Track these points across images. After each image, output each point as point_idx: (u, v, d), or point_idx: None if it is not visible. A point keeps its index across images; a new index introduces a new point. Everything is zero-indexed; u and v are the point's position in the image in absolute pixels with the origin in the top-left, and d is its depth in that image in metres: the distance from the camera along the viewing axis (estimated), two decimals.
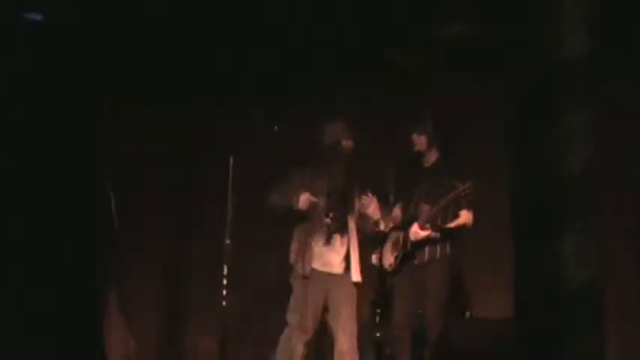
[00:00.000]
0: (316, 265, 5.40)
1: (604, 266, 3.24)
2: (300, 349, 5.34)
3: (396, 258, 5.43)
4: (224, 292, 5.55)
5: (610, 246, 4.53)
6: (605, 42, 3.31)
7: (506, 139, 3.26)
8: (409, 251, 5.38)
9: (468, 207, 5.36)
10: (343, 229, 5.42)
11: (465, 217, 5.37)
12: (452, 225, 5.37)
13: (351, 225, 5.44)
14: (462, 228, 5.38)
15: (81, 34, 5.87)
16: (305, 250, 5.41)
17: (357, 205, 5.42)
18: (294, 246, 5.51)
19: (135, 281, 6.88)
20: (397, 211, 5.64)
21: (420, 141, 5.48)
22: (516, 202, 3.29)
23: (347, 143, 5.56)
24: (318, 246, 5.43)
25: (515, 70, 3.26)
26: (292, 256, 5.50)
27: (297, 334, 5.35)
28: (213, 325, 5.92)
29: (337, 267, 5.37)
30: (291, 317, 5.38)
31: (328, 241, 5.41)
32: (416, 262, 5.40)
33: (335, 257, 5.41)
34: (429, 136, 5.47)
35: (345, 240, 5.39)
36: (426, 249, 5.38)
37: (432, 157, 5.49)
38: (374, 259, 5.63)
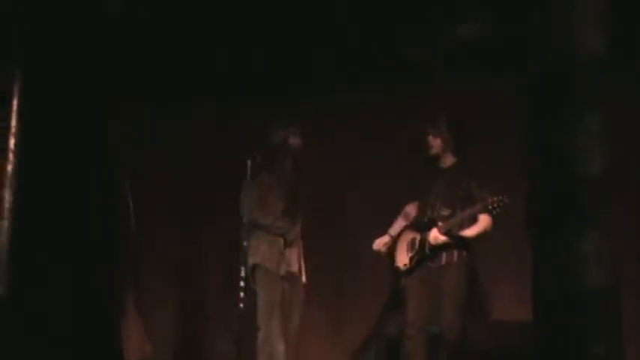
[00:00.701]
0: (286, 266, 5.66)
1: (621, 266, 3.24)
2: (281, 347, 5.53)
3: (411, 259, 5.42)
4: (241, 294, 5.54)
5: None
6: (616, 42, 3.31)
7: (523, 139, 3.26)
8: (427, 254, 5.35)
9: (487, 212, 5.32)
10: (297, 232, 5.66)
11: (484, 222, 5.35)
12: (472, 233, 5.34)
13: (298, 228, 5.66)
14: (482, 234, 5.35)
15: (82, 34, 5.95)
16: (278, 251, 5.65)
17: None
18: (263, 246, 5.67)
19: (151, 282, 6.94)
20: (411, 209, 5.63)
21: (435, 143, 5.47)
22: (532, 203, 3.28)
23: (294, 140, 5.71)
24: (282, 247, 5.67)
25: (531, 69, 3.26)
26: (260, 257, 5.67)
27: (277, 333, 5.54)
28: (230, 325, 5.89)
29: (296, 268, 5.59)
30: (267, 318, 5.54)
31: (290, 243, 5.61)
32: (432, 264, 5.36)
33: (294, 258, 5.64)
34: (445, 138, 5.44)
35: (299, 242, 5.65)
36: (444, 253, 5.35)
37: (448, 160, 5.47)
38: (378, 244, 5.59)
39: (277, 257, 5.65)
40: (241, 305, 5.50)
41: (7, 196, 4.62)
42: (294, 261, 5.69)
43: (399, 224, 5.67)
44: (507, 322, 5.21)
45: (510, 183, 4.53)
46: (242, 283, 5.58)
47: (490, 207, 5.13)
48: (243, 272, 5.58)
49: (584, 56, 3.16)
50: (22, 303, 4.88)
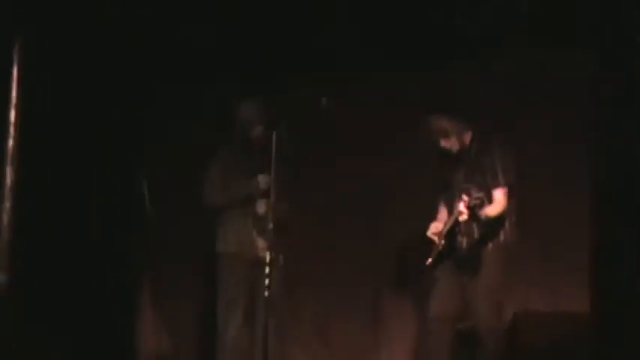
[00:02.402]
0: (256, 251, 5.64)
1: None
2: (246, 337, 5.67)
3: (443, 230, 5.28)
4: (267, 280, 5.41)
5: None
6: None
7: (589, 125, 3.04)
8: (457, 226, 5.22)
9: (503, 186, 5.15)
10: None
11: (501, 200, 5.15)
12: (494, 212, 5.14)
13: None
14: (502, 214, 5.17)
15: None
16: (251, 235, 5.67)
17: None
18: (230, 234, 5.71)
19: (169, 277, 6.83)
20: (443, 214, 5.47)
21: (451, 144, 5.33)
22: (595, 189, 3.09)
23: (258, 125, 5.70)
24: (252, 233, 5.69)
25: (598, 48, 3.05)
26: (227, 244, 5.73)
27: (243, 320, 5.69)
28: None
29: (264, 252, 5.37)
30: (236, 304, 5.65)
31: (262, 228, 5.53)
32: (462, 242, 5.23)
33: (263, 244, 5.52)
34: (459, 135, 5.31)
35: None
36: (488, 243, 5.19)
37: (455, 145, 5.32)
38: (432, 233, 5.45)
39: (249, 243, 5.66)
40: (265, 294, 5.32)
41: (9, 174, 4.41)
42: (263, 246, 5.50)
43: (442, 211, 5.49)
44: (561, 314, 4.99)
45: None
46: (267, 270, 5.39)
47: (470, 203, 5.01)
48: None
49: None
50: (24, 291, 4.77)
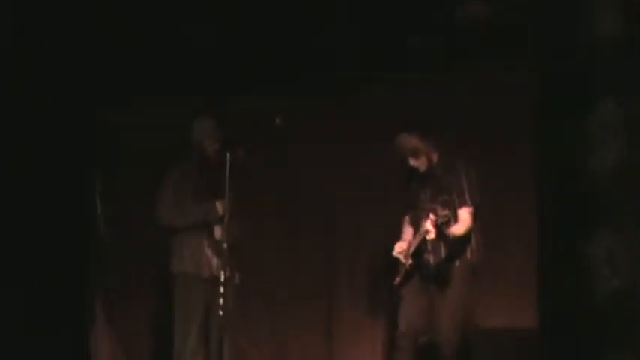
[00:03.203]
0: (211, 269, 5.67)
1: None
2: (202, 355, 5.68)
3: (409, 249, 5.39)
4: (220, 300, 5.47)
5: None
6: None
7: (535, 130, 3.19)
8: (424, 245, 5.30)
9: (469, 205, 5.24)
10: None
11: (467, 219, 5.24)
12: (461, 231, 5.22)
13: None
14: (467, 233, 5.26)
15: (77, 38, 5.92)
16: (206, 254, 5.64)
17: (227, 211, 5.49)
18: (186, 254, 5.69)
19: (123, 295, 6.83)
20: (408, 233, 5.58)
21: (420, 163, 5.44)
22: (541, 202, 3.23)
23: (210, 144, 5.68)
24: (208, 253, 5.69)
25: (541, 56, 3.20)
26: (183, 264, 5.70)
27: (198, 339, 5.67)
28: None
29: (218, 272, 5.50)
30: (192, 323, 5.63)
31: (218, 249, 5.57)
32: (432, 262, 5.31)
33: (218, 263, 5.58)
34: (428, 154, 5.39)
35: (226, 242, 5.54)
36: (454, 261, 5.29)
37: (423, 165, 5.43)
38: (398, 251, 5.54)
39: (206, 260, 5.65)
40: (220, 312, 5.38)
41: None
42: (216, 264, 5.62)
43: (407, 230, 5.59)
44: (513, 330, 5.13)
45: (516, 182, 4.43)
46: (221, 289, 5.46)
47: (437, 221, 5.08)
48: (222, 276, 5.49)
49: (600, 40, 3.08)
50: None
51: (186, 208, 5.67)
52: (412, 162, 5.41)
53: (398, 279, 5.45)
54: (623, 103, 3.05)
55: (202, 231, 5.66)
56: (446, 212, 5.17)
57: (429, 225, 5.12)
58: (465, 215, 5.25)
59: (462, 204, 5.24)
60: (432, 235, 5.13)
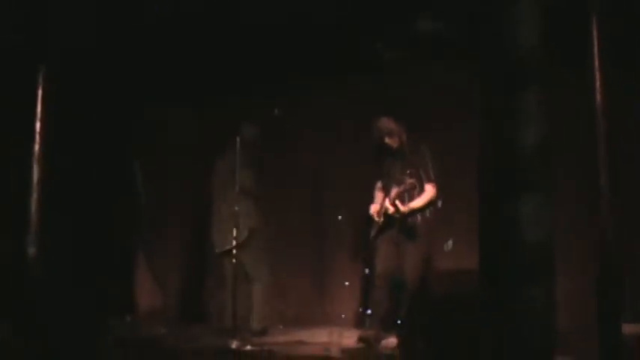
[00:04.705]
0: None
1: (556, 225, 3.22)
2: None
3: (380, 218, 5.48)
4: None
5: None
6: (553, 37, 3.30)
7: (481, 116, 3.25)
8: (388, 220, 5.44)
9: (432, 180, 5.40)
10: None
11: (429, 192, 5.41)
12: (421, 203, 5.39)
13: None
14: (430, 202, 5.41)
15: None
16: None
17: None
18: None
19: (160, 245, 6.95)
20: (379, 197, 5.65)
21: (393, 142, 5.51)
22: (481, 170, 3.28)
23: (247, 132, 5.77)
24: None
25: (482, 60, 3.26)
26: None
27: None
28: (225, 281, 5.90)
29: None
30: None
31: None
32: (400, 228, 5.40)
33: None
34: (399, 135, 5.49)
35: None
36: (412, 219, 5.40)
37: (395, 143, 5.50)
38: (373, 211, 5.60)
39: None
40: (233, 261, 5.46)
41: (36, 171, 4.57)
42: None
43: (378, 194, 5.69)
44: (458, 271, 5.21)
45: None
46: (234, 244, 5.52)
47: (406, 187, 5.26)
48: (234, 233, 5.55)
49: (522, 46, 3.15)
50: (51, 261, 4.88)
51: None
52: (387, 140, 5.51)
53: (373, 233, 5.56)
54: (543, 91, 3.14)
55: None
56: (412, 181, 5.28)
57: (387, 203, 5.35)
58: (429, 188, 5.42)
59: (428, 179, 5.40)
60: (391, 210, 5.35)
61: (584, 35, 4.27)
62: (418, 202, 5.40)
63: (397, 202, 5.34)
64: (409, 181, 5.28)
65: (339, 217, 6.18)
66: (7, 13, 5.01)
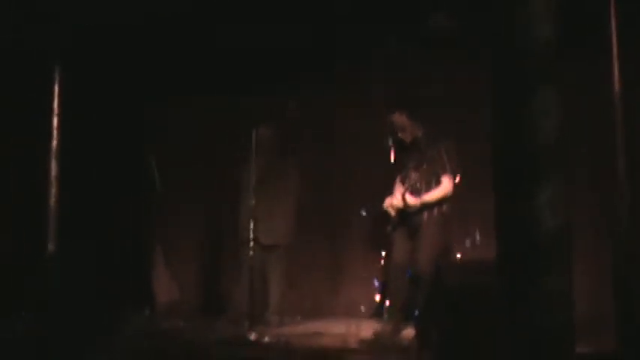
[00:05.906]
0: None
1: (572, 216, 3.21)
2: None
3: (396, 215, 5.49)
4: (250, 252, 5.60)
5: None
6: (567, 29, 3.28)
7: (492, 113, 3.23)
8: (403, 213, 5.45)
9: (449, 174, 5.37)
10: None
11: (445, 186, 5.38)
12: (435, 197, 5.38)
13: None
14: (446, 195, 5.38)
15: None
16: None
17: None
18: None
19: (177, 240, 6.96)
20: (399, 189, 5.64)
21: (406, 136, 5.52)
22: (497, 167, 3.27)
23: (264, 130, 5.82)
24: None
25: (498, 54, 3.24)
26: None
27: None
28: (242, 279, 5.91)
29: None
30: None
31: None
32: (413, 222, 5.42)
33: None
34: (413, 129, 5.49)
35: None
36: (424, 213, 5.40)
37: (408, 138, 5.50)
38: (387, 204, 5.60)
39: None
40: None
41: (54, 167, 4.62)
42: None
43: (398, 188, 5.65)
44: (474, 261, 5.22)
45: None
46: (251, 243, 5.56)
47: (412, 182, 5.31)
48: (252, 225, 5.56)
49: (539, 42, 3.13)
50: (70, 257, 4.93)
51: None
52: (400, 135, 5.49)
53: (389, 228, 5.57)
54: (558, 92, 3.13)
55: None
56: (416, 175, 5.33)
57: (398, 196, 5.37)
58: (445, 181, 5.38)
59: (444, 172, 5.37)
60: (400, 204, 5.37)
61: (601, 22, 4.24)
62: (432, 196, 5.39)
63: (407, 196, 5.34)
64: (414, 175, 5.29)
65: (363, 212, 6.15)
66: (22, 12, 5.04)
